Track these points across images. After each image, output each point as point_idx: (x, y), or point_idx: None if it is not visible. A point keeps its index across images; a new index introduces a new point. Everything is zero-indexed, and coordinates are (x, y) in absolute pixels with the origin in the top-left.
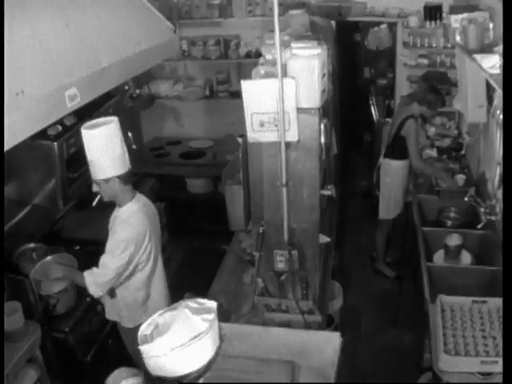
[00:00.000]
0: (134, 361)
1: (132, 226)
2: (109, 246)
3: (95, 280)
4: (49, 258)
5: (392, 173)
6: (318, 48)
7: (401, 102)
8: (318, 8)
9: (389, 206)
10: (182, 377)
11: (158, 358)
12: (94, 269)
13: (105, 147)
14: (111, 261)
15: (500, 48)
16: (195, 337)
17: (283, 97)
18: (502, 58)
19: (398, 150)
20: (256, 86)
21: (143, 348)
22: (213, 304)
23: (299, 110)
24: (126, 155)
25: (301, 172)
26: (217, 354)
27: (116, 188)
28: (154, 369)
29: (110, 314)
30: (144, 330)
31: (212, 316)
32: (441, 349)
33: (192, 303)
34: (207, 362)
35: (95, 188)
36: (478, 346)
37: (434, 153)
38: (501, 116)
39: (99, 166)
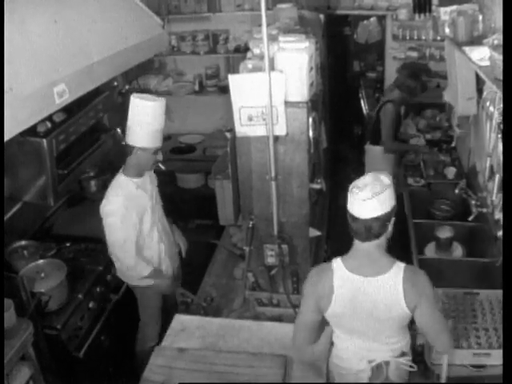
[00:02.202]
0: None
1: None
2: None
3: None
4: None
5: (375, 159)
6: (306, 41)
7: (385, 91)
8: (306, 1)
9: None
10: None
11: None
12: None
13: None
14: None
15: (489, 40)
16: None
17: (271, 91)
18: (502, 57)
19: (379, 135)
20: (243, 80)
21: None
22: None
23: (287, 104)
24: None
25: (290, 166)
26: None
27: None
28: None
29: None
30: None
31: None
32: None
33: None
34: None
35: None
36: (470, 338)
37: (422, 141)
38: (490, 108)
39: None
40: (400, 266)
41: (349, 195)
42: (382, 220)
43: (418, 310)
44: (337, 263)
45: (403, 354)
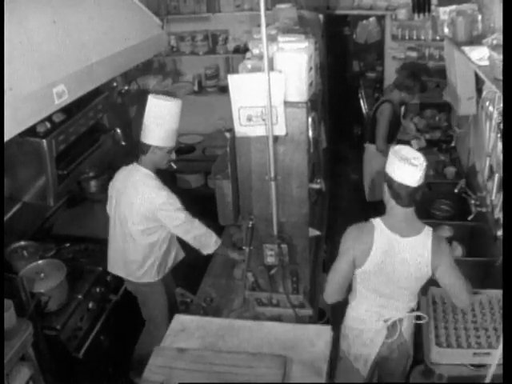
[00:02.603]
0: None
1: None
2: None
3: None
4: (40, 262)
5: (373, 157)
6: (305, 41)
7: (384, 90)
8: (305, 1)
9: (373, 189)
10: None
11: None
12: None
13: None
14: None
15: (489, 40)
16: None
17: (270, 91)
18: (501, 57)
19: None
20: (243, 81)
21: None
22: None
23: (286, 104)
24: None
25: (289, 166)
26: None
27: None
28: None
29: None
30: None
31: None
32: (432, 341)
33: None
34: None
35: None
36: (469, 337)
37: (422, 142)
38: (490, 107)
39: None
40: (429, 230)
41: (400, 165)
42: (422, 188)
43: (440, 268)
44: (376, 222)
45: (412, 311)
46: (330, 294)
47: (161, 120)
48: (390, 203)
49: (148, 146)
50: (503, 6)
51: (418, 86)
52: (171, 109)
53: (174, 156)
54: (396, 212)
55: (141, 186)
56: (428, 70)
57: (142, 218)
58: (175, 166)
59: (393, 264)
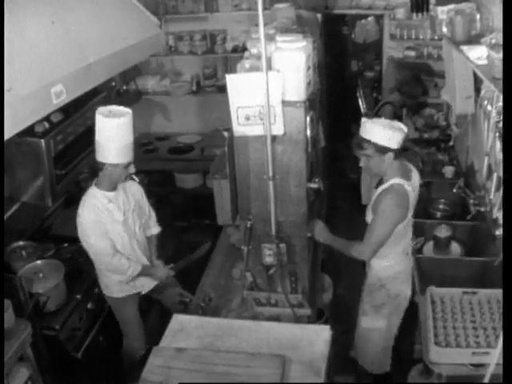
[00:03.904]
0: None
1: None
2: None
3: None
4: (39, 262)
5: None
6: (303, 41)
7: (384, 92)
8: (304, 1)
9: (371, 190)
10: None
11: None
12: None
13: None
14: None
15: (487, 39)
16: None
17: (268, 90)
18: (500, 56)
19: None
20: (241, 80)
21: None
22: None
23: (285, 103)
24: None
25: (287, 165)
26: None
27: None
28: None
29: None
30: None
31: None
32: (431, 340)
33: None
34: None
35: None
36: (468, 337)
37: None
38: (488, 107)
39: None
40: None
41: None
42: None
43: None
44: (400, 181)
45: None
46: (373, 252)
47: (111, 138)
48: (390, 162)
49: (102, 164)
50: (503, 5)
51: (419, 89)
52: (121, 125)
53: (133, 170)
54: (396, 165)
55: (80, 208)
56: (430, 70)
57: None
58: (137, 180)
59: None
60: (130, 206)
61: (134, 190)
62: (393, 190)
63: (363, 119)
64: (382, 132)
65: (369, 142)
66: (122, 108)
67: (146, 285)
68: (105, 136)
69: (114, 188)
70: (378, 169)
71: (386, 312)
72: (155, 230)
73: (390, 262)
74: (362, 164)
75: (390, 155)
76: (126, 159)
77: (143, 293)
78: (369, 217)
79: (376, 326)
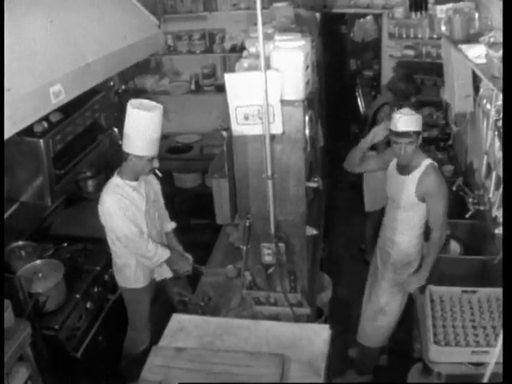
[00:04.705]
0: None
1: None
2: None
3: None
4: (38, 262)
5: None
6: (302, 40)
7: (382, 90)
8: (302, 0)
9: (375, 198)
10: None
11: None
12: None
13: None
14: None
15: (486, 38)
16: None
17: (267, 89)
18: (499, 55)
19: None
20: (239, 79)
21: None
22: None
23: (283, 103)
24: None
25: (286, 164)
26: None
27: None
28: None
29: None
30: None
31: None
32: (431, 339)
33: None
34: None
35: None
36: (468, 336)
37: None
38: (487, 105)
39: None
40: None
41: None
42: None
43: None
44: (428, 160)
45: None
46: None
47: (141, 130)
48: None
49: (127, 154)
50: (503, 4)
51: (411, 88)
52: (151, 119)
53: (157, 164)
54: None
55: (103, 195)
56: (424, 69)
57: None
58: (160, 174)
59: None
60: (151, 197)
61: (154, 183)
62: (432, 169)
63: (396, 115)
64: (419, 120)
65: (417, 132)
66: (153, 102)
67: (163, 273)
68: (134, 127)
69: (136, 178)
70: (414, 153)
71: (403, 289)
72: (172, 225)
73: (414, 237)
74: (402, 153)
75: (421, 138)
76: (151, 153)
77: (157, 279)
78: (397, 209)
79: (393, 302)
